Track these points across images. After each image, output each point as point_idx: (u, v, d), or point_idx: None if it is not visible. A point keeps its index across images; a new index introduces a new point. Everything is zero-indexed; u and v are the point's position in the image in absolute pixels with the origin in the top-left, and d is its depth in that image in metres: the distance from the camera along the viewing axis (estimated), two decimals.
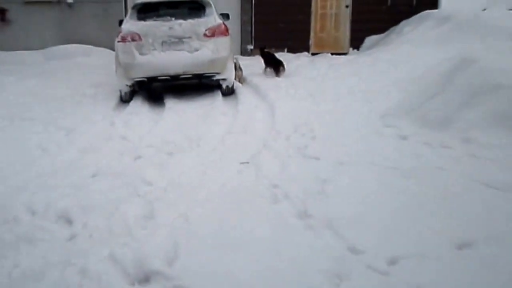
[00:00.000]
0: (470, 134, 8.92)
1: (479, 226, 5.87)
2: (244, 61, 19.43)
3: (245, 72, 17.10)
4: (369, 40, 23.21)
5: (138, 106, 13.77)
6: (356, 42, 23.43)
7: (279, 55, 20.84)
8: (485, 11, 24.15)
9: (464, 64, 10.54)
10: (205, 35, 14.30)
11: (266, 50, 18.23)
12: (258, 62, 19.80)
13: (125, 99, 14.45)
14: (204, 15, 14.68)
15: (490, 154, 8.24)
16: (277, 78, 16.48)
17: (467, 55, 10.97)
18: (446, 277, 4.85)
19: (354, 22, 23.26)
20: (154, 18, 14.49)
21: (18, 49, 22.13)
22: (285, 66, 17.54)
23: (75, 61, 20.85)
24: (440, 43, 17.85)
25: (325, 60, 19.79)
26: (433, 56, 15.46)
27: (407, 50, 18.17)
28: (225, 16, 15.62)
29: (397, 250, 5.40)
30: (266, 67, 17.80)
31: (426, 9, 22.36)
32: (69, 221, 6.62)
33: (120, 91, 14.59)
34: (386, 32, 22.84)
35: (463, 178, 7.37)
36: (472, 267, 5.03)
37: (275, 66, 17.49)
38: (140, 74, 14.25)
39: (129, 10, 15.38)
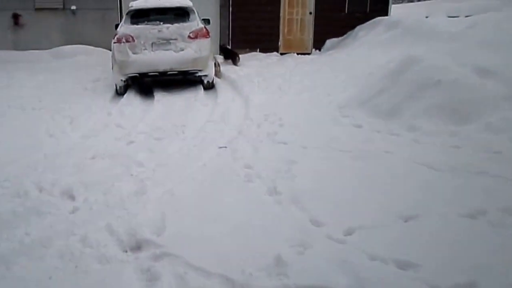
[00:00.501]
0: (414, 123, 8.96)
1: (421, 202, 5.90)
2: (222, 60, 19.48)
3: (223, 70, 17.01)
4: (330, 42, 23.19)
5: (131, 98, 13.70)
6: (318, 44, 23.38)
7: (252, 55, 21.05)
8: (428, 18, 24.25)
9: (410, 63, 10.56)
10: (189, 37, 14.28)
11: (224, 46, 20.75)
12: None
13: (120, 92, 14.35)
14: (188, 20, 14.65)
15: (431, 140, 8.30)
16: (250, 74, 16.45)
17: (412, 55, 10.99)
18: (395, 245, 4.86)
19: (317, 26, 23.20)
20: (145, 22, 14.43)
21: (29, 49, 22.01)
22: (240, 56, 19.34)
23: (77, 59, 20.74)
24: (389, 45, 17.91)
25: (292, 59, 19.85)
26: (383, 56, 15.53)
27: (362, 51, 18.30)
28: (206, 21, 15.57)
29: (352, 222, 5.41)
30: (225, 59, 19.75)
31: (378, 16, 22.41)
32: (72, 197, 6.61)
33: (116, 85, 14.49)
34: (344, 36, 22.83)
35: (408, 160, 7.41)
36: (417, 236, 5.06)
37: (232, 57, 19.38)
38: (133, 70, 14.22)
39: (124, 16, 15.31)
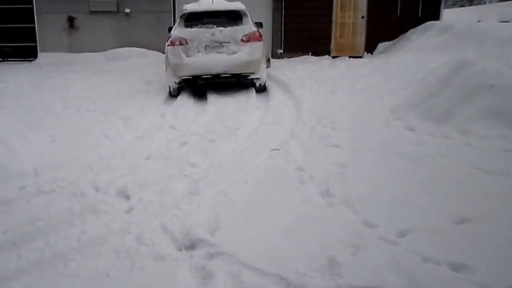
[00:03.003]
0: (467, 127, 8.87)
1: (474, 205, 5.84)
2: (275, 63, 19.55)
3: (276, 73, 17.06)
4: (382, 45, 23.09)
5: (185, 100, 13.81)
6: (370, 47, 23.30)
7: (304, 58, 21.14)
8: (479, 22, 24.03)
9: (462, 67, 10.47)
10: (241, 40, 14.32)
11: None
12: (287, 63, 19.91)
13: (173, 94, 14.51)
14: (241, 23, 14.71)
15: (484, 144, 8.20)
16: (302, 77, 16.43)
17: (464, 60, 10.89)
18: (448, 247, 4.83)
19: (369, 30, 23.15)
20: (199, 25, 14.51)
21: (83, 51, 22.42)
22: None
23: (131, 62, 20.99)
24: (441, 49, 17.82)
25: (344, 63, 19.80)
26: (435, 60, 15.44)
27: (413, 54, 18.20)
28: (259, 25, 15.62)
29: (405, 224, 5.40)
30: None
31: (430, 20, 22.28)
32: (127, 196, 6.69)
33: (169, 87, 14.66)
34: (396, 39, 22.73)
35: (460, 164, 7.34)
36: (470, 239, 5.02)
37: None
38: (187, 73, 14.32)
39: (178, 19, 15.44)
